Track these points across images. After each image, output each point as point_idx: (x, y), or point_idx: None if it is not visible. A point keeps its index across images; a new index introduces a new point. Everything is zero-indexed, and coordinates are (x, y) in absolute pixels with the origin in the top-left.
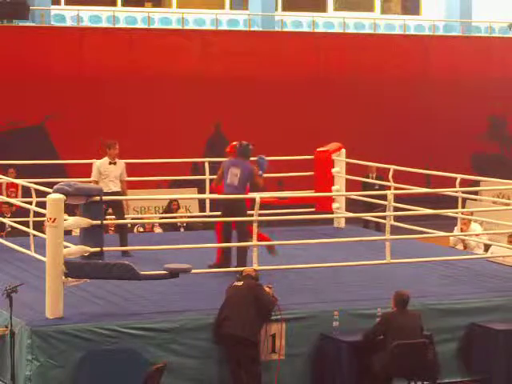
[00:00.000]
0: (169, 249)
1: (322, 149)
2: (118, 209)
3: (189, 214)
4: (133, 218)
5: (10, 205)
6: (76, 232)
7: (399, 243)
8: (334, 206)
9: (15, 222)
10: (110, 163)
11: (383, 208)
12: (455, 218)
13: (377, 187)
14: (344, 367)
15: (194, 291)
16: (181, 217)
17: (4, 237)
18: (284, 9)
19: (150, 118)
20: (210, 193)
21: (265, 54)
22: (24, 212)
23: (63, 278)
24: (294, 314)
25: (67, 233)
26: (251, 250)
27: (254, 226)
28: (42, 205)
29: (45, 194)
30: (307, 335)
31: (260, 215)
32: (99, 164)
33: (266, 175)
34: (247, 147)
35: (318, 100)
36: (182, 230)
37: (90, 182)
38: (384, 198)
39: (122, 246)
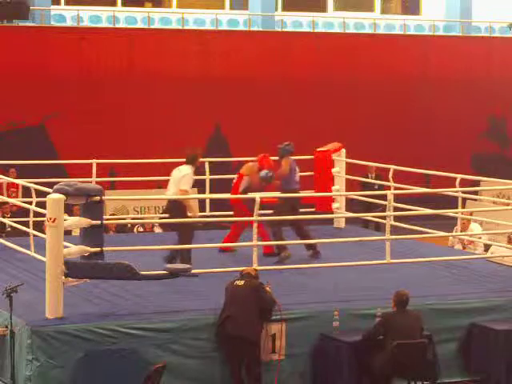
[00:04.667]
0: (170, 249)
1: (321, 149)
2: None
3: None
4: (133, 218)
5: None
6: (76, 232)
7: (399, 243)
8: (334, 205)
9: (15, 221)
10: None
11: (383, 208)
12: (455, 218)
13: (376, 187)
14: (344, 367)
15: (194, 291)
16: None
17: (4, 237)
18: (284, 9)
19: (150, 118)
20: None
21: (265, 54)
22: (24, 212)
23: (63, 278)
24: (293, 314)
25: (67, 233)
26: None
27: (254, 225)
28: (42, 205)
29: (45, 194)
30: (307, 335)
31: (260, 215)
32: (191, 173)
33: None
34: (289, 145)
35: (318, 100)
36: None
37: (183, 191)
38: (384, 197)
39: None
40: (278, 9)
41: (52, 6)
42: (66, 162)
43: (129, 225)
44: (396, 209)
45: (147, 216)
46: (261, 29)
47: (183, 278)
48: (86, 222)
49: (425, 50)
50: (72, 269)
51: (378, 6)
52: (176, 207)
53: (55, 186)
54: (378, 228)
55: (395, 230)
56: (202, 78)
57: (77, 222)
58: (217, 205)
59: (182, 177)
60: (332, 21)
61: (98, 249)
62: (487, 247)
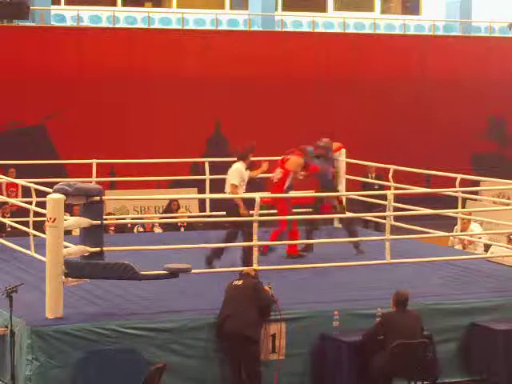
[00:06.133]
0: (169, 249)
1: None
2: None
3: (189, 214)
4: (133, 218)
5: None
6: (76, 232)
7: (399, 243)
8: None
9: (15, 221)
10: (246, 169)
11: (383, 208)
12: (455, 218)
13: (376, 187)
14: (344, 367)
15: (194, 291)
16: (181, 217)
17: (4, 237)
18: (284, 9)
19: (150, 118)
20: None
21: (265, 54)
22: (24, 212)
23: (63, 277)
24: (293, 314)
25: (67, 233)
26: None
27: (255, 226)
28: (42, 205)
29: (45, 194)
30: (307, 335)
31: (260, 215)
32: (241, 168)
33: (265, 175)
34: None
35: (318, 100)
36: (182, 229)
37: (233, 185)
38: (384, 197)
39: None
40: (278, 9)
41: (52, 6)
42: (66, 162)
43: (129, 225)
44: (396, 209)
45: (147, 216)
46: (261, 29)
47: (183, 277)
48: (85, 221)
49: (425, 50)
50: (72, 269)
51: (378, 6)
52: (229, 205)
53: (55, 186)
54: (378, 228)
55: (395, 230)
56: (202, 78)
57: (77, 222)
58: (216, 204)
59: (231, 172)
60: (332, 21)
61: (98, 249)
62: (487, 247)
